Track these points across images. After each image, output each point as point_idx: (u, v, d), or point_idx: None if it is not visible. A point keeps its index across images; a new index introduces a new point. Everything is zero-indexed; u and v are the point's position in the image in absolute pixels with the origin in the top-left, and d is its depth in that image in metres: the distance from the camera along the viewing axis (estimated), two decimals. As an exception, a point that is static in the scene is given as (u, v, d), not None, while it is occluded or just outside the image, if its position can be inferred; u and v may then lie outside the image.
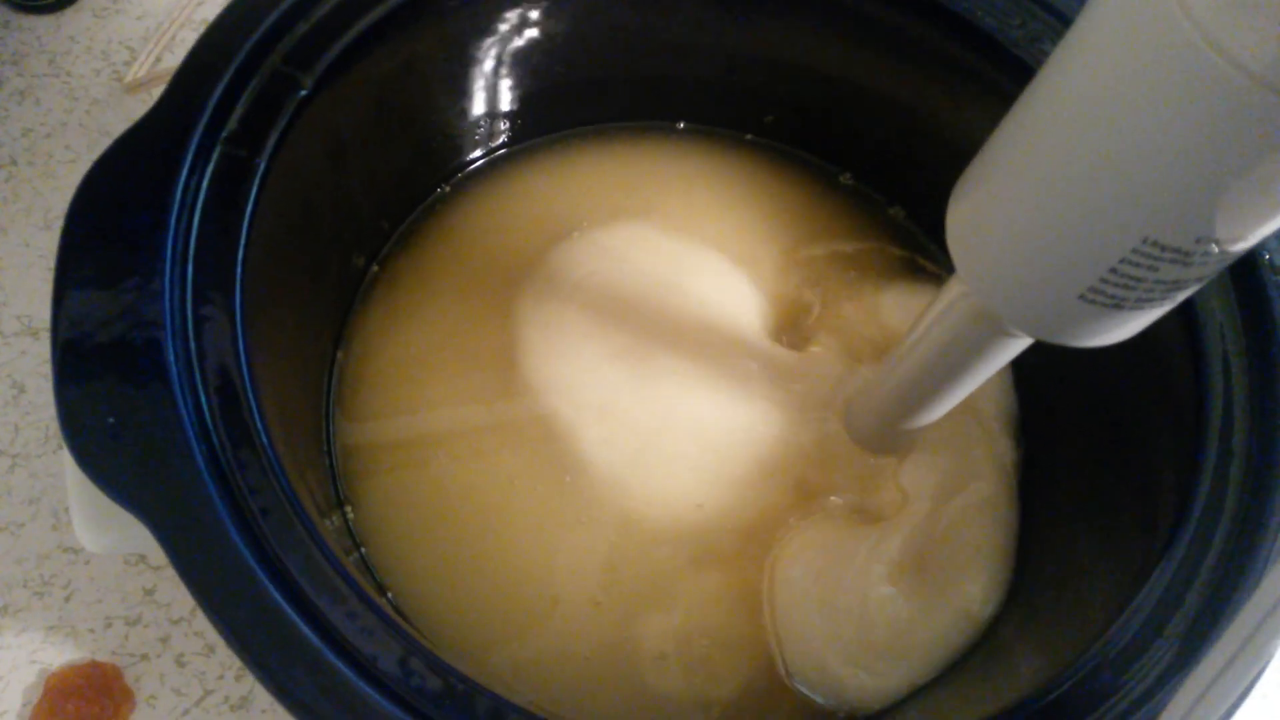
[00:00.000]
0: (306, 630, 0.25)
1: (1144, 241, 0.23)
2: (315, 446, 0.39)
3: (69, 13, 0.60)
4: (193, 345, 0.30)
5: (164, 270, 0.30)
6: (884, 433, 0.41)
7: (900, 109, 0.46)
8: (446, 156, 0.46)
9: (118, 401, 0.28)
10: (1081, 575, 0.36)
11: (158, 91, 0.57)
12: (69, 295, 0.30)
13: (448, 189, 0.47)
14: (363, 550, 0.39)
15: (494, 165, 0.48)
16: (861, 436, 0.42)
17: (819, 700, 0.38)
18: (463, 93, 0.44)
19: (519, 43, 0.43)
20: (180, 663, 0.45)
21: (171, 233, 0.30)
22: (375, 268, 0.45)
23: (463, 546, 0.39)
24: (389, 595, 0.38)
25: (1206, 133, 0.21)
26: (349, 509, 0.40)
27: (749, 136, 0.50)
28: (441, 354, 0.43)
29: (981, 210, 0.28)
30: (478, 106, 0.45)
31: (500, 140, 0.48)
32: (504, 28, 0.42)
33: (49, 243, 0.53)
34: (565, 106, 0.49)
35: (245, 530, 0.27)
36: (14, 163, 0.55)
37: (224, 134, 0.32)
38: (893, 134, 0.47)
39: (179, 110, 0.32)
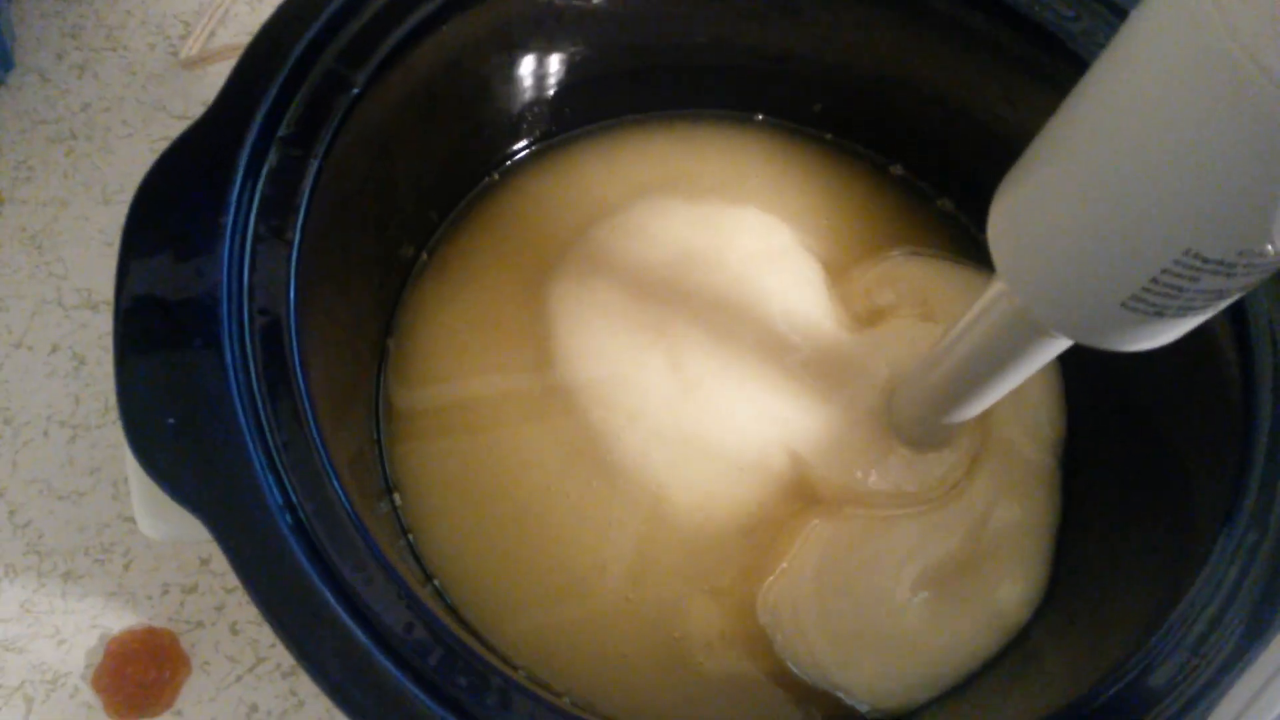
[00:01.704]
0: (359, 633, 0.26)
1: (1186, 253, 0.23)
2: (365, 435, 0.40)
3: (125, -15, 0.60)
4: (249, 343, 0.31)
5: (222, 270, 0.31)
6: (924, 426, 0.41)
7: (952, 101, 0.45)
8: (494, 146, 0.47)
9: (177, 401, 0.29)
10: (1120, 584, 0.36)
11: (212, 68, 0.58)
12: (129, 286, 0.31)
13: (496, 177, 0.48)
14: (410, 537, 0.40)
15: (540, 154, 0.48)
16: (902, 428, 0.42)
17: (843, 698, 0.39)
18: (510, 83, 0.44)
19: (565, 33, 0.43)
20: (234, 630, 0.47)
21: (228, 234, 0.31)
22: (424, 256, 0.46)
23: (506, 529, 0.40)
24: (435, 581, 0.39)
25: (1248, 148, 0.21)
26: (397, 495, 0.41)
27: (797, 125, 0.50)
28: (487, 340, 0.43)
29: (1024, 213, 0.27)
30: (524, 96, 0.46)
31: (546, 129, 0.48)
32: (550, 18, 0.42)
33: (107, 217, 0.55)
34: (611, 95, 0.49)
35: (298, 531, 0.28)
36: (73, 137, 0.56)
37: (279, 134, 0.33)
38: (944, 125, 0.46)
39: (236, 111, 0.32)
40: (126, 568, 0.48)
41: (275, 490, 0.28)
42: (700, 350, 0.42)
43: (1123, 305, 0.25)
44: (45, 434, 0.50)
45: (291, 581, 0.27)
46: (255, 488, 0.27)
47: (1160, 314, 0.25)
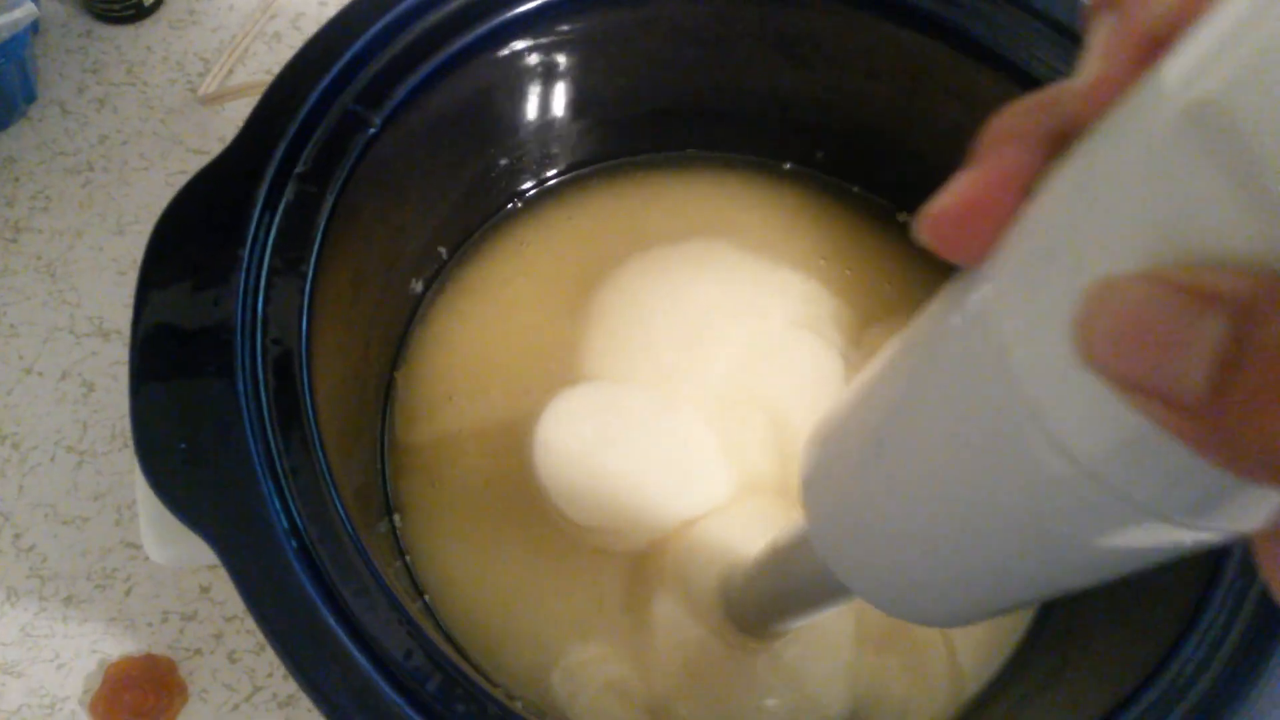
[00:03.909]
0: (360, 657, 0.27)
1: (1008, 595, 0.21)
2: (370, 462, 0.41)
3: (147, 23, 0.62)
4: (262, 372, 0.31)
5: (237, 301, 0.32)
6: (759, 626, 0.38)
7: (956, 150, 0.46)
8: (504, 186, 0.48)
9: (189, 427, 0.30)
10: (1095, 648, 0.37)
11: (230, 105, 0.60)
12: (147, 314, 0.32)
13: (507, 213, 0.49)
14: (407, 558, 0.41)
15: (551, 194, 0.50)
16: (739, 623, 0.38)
17: None
18: (521, 124, 0.46)
19: (579, 77, 0.45)
20: (232, 659, 0.47)
21: (244, 266, 0.32)
22: (431, 291, 0.46)
23: (507, 558, 0.41)
24: (425, 598, 0.40)
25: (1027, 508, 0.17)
26: (397, 516, 0.42)
27: (812, 172, 0.51)
28: (490, 372, 0.44)
29: (844, 500, 0.23)
30: (536, 137, 0.47)
31: (556, 169, 0.49)
32: (564, 62, 0.44)
33: (121, 248, 0.56)
34: (622, 137, 0.50)
35: (303, 555, 0.28)
36: (90, 168, 0.58)
37: (297, 170, 0.34)
38: (948, 175, 0.47)
39: (255, 147, 0.34)
40: (127, 594, 0.48)
41: (282, 515, 0.28)
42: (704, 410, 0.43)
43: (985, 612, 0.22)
44: (52, 459, 0.51)
45: (295, 605, 0.28)
46: (263, 513, 0.28)
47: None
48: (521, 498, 0.42)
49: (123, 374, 0.53)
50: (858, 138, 0.49)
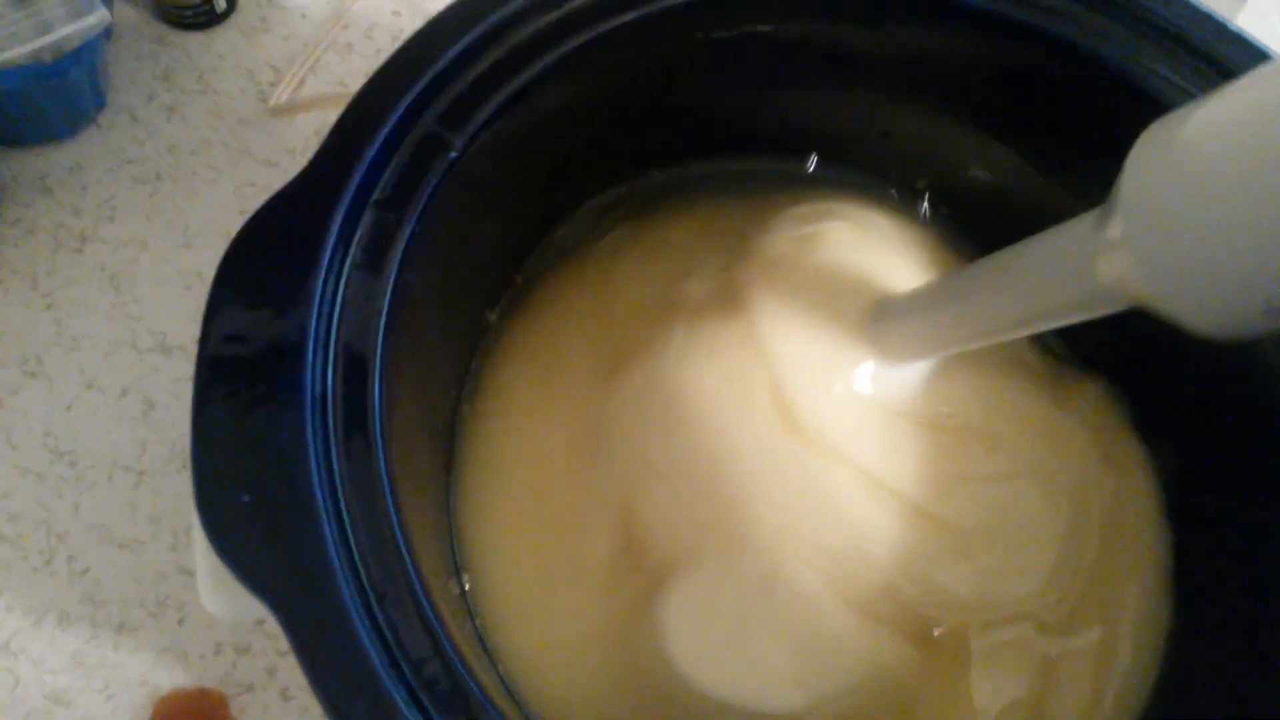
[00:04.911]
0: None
1: None
2: (438, 511, 0.39)
3: (219, 29, 0.61)
4: (331, 408, 0.29)
5: (309, 333, 0.30)
6: (917, 348, 0.37)
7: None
8: (581, 210, 0.45)
9: (253, 474, 0.28)
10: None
11: (300, 117, 0.58)
12: (213, 340, 0.29)
13: (581, 242, 0.46)
14: (476, 621, 0.38)
15: (634, 216, 0.47)
16: (885, 341, 0.37)
17: None
18: (605, 145, 0.43)
19: (664, 97, 0.42)
20: (285, 696, 0.45)
21: (317, 298, 0.30)
22: (505, 321, 0.44)
23: (584, 637, 0.37)
24: (499, 669, 0.37)
25: None
26: (466, 577, 0.39)
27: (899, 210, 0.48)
28: (561, 418, 0.41)
29: (1179, 188, 0.23)
30: (620, 159, 0.44)
31: (640, 194, 0.47)
32: (646, 81, 0.41)
33: (187, 260, 0.54)
34: (705, 157, 0.47)
35: (372, 626, 0.26)
36: (158, 178, 0.56)
37: (374, 197, 0.31)
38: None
39: (331, 171, 0.31)
40: (180, 623, 0.46)
41: (350, 581, 0.26)
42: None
43: (1264, 313, 0.22)
44: (110, 478, 0.49)
45: (360, 680, 0.25)
46: (330, 579, 0.26)
47: None
48: (577, 548, 0.39)
49: (184, 391, 0.51)
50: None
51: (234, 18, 0.61)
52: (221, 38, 0.61)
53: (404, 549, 0.27)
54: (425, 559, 0.28)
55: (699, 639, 0.36)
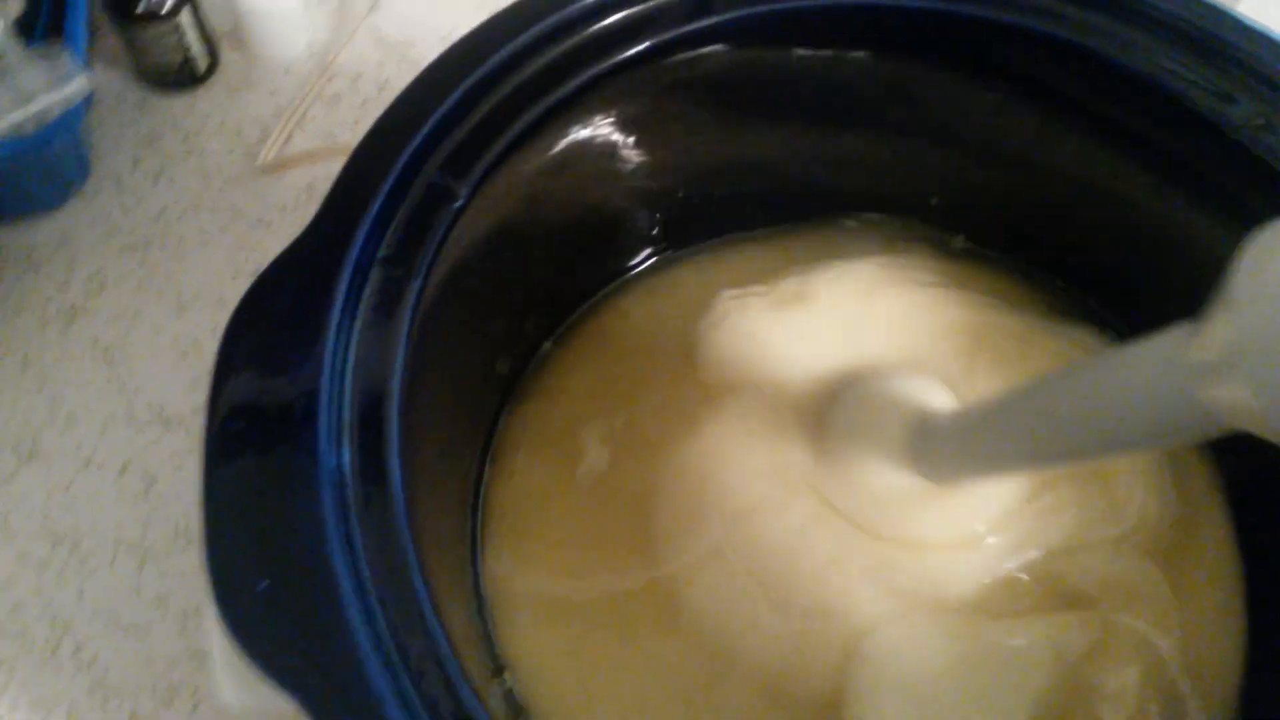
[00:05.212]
0: None
1: None
2: (469, 595, 0.36)
3: (202, 90, 0.59)
4: (350, 482, 0.27)
5: (320, 405, 0.28)
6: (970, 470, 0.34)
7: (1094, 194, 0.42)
8: (598, 261, 0.44)
9: (270, 556, 0.26)
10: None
11: (290, 172, 0.56)
12: (219, 414, 0.28)
13: (598, 295, 0.44)
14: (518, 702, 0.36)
15: (653, 269, 0.45)
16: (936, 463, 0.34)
17: None
18: (613, 195, 0.42)
19: (676, 144, 0.41)
20: (308, 781, 0.43)
21: (328, 365, 0.28)
22: (520, 374, 0.42)
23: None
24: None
25: None
26: (508, 675, 0.36)
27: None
28: (588, 492, 0.39)
29: None
30: (631, 209, 0.43)
31: (658, 244, 0.45)
32: (655, 126, 0.40)
33: (181, 328, 0.52)
34: (719, 213, 0.46)
35: (404, 708, 0.24)
36: (148, 245, 0.55)
37: (380, 254, 0.30)
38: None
39: (335, 229, 0.30)
40: (194, 709, 0.44)
41: (383, 674, 0.24)
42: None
43: None
44: (112, 560, 0.47)
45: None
46: (360, 668, 0.24)
47: None
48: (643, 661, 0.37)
49: (185, 464, 0.50)
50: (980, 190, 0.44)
51: (216, 77, 0.60)
52: (205, 98, 0.59)
53: (438, 631, 0.25)
54: (462, 643, 0.26)
55: None
